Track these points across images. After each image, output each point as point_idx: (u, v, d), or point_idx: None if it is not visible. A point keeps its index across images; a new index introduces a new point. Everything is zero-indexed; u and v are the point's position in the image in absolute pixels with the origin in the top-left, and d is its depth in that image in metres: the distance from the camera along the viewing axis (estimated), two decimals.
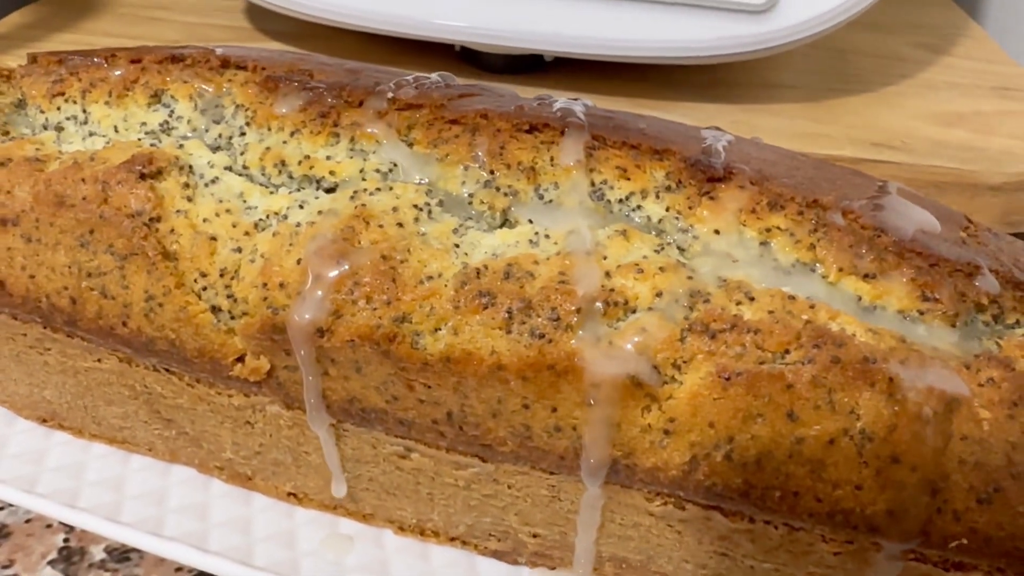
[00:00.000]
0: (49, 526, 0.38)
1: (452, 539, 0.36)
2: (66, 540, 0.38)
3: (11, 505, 0.39)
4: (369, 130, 0.33)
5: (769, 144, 0.38)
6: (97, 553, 0.37)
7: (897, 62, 0.70)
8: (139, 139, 0.35)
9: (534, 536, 0.34)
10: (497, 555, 0.35)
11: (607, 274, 0.29)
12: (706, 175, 0.31)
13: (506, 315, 0.28)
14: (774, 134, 0.60)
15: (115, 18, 0.72)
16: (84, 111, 0.36)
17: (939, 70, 0.69)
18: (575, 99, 0.37)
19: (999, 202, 0.57)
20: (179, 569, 0.37)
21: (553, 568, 0.35)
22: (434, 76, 0.37)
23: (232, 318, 0.31)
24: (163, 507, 0.37)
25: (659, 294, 0.28)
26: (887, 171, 0.57)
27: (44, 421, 0.40)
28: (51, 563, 0.37)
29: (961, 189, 0.57)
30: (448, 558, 0.36)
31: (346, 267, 0.29)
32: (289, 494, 0.37)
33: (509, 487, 0.32)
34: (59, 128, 0.37)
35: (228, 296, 0.31)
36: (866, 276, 0.30)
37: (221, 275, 0.31)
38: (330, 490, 0.36)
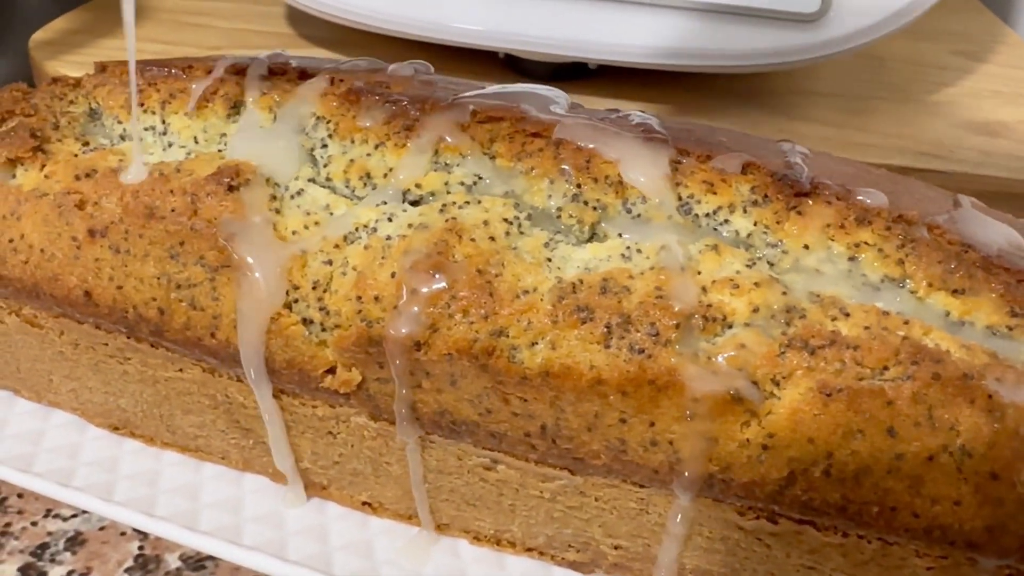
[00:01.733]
0: (123, 533, 0.38)
1: (529, 549, 0.36)
2: (141, 548, 0.38)
3: (85, 512, 0.39)
4: (452, 142, 0.33)
5: (841, 156, 0.38)
6: (172, 561, 0.37)
7: (938, 71, 0.70)
8: (219, 150, 0.35)
9: (616, 548, 0.34)
10: (575, 566, 0.35)
11: (703, 289, 0.29)
12: (793, 190, 0.31)
13: (605, 330, 0.28)
14: (822, 143, 0.60)
15: (157, 24, 0.72)
16: (163, 122, 0.37)
17: (981, 79, 0.70)
18: (644, 113, 0.37)
19: None
20: None
21: None
22: (512, 87, 0.37)
23: (324, 330, 0.31)
24: (239, 516, 0.37)
25: (756, 309, 0.28)
26: (935, 181, 0.57)
27: (116, 429, 0.40)
28: (128, 571, 0.37)
29: (1010, 198, 0.57)
30: (524, 568, 0.36)
31: (443, 281, 0.29)
32: (364, 503, 0.37)
33: (596, 499, 0.32)
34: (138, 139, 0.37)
35: (320, 309, 0.31)
36: (955, 292, 0.30)
37: (313, 288, 0.31)
38: (408, 500, 0.36)
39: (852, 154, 0.58)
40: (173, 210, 0.32)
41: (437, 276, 0.29)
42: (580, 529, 0.34)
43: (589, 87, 0.65)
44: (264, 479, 0.39)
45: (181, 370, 0.35)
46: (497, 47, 0.63)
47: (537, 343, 0.29)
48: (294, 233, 0.32)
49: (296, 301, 0.31)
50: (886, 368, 0.28)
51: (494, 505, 0.34)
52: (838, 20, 0.57)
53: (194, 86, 0.37)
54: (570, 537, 0.34)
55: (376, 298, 0.30)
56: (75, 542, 0.38)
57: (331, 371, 0.32)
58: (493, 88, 0.38)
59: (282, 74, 0.37)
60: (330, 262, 0.31)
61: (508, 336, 0.29)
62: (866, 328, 0.28)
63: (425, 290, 0.29)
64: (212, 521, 0.36)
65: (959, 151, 0.59)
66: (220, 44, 0.69)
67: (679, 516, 0.31)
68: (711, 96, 0.64)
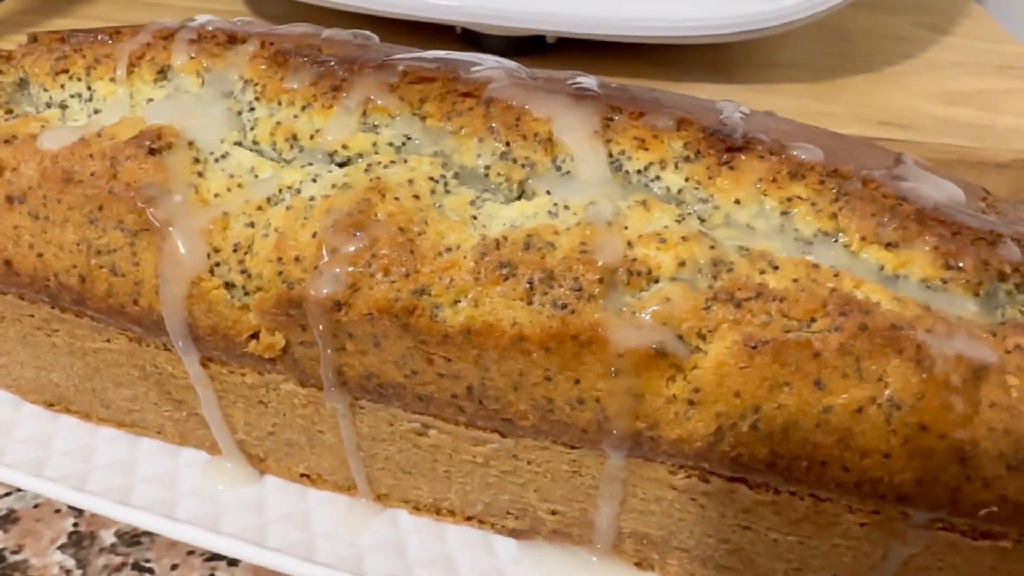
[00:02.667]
0: (58, 511, 0.38)
1: (469, 518, 0.35)
2: (75, 524, 0.37)
3: (19, 490, 0.38)
4: (381, 103, 0.33)
5: (784, 116, 0.37)
6: (108, 537, 0.37)
7: (900, 42, 0.70)
8: (145, 116, 0.35)
9: (553, 513, 0.33)
10: (514, 533, 0.35)
11: (629, 244, 0.28)
12: (725, 144, 0.31)
13: (527, 286, 0.28)
14: (782, 113, 0.59)
15: (111, 2, 0.71)
16: (89, 88, 0.36)
17: (942, 49, 0.69)
18: (585, 75, 0.36)
19: (1006, 179, 0.57)
20: (191, 552, 0.36)
21: (573, 545, 0.34)
22: (455, 53, 0.36)
23: (246, 294, 0.30)
24: (174, 490, 0.36)
25: (682, 263, 0.28)
26: (895, 150, 0.57)
27: (51, 405, 0.40)
28: (61, 547, 0.36)
29: (968, 167, 0.56)
30: (464, 537, 0.35)
31: (363, 240, 0.29)
32: (302, 475, 0.37)
33: (529, 463, 0.32)
34: (63, 106, 0.36)
35: (242, 272, 0.30)
36: (889, 245, 0.29)
37: (234, 250, 0.30)
38: (345, 470, 0.35)
39: (813, 124, 0.57)
40: (92, 174, 0.32)
41: (358, 235, 0.29)
42: (516, 495, 0.33)
43: (548, 61, 0.64)
44: (201, 453, 0.38)
45: (108, 340, 0.35)
46: (453, 21, 0.62)
47: (460, 301, 0.28)
48: (216, 196, 0.31)
49: (218, 265, 0.30)
50: (813, 320, 0.27)
51: (429, 472, 0.34)
52: None
53: (120, 51, 0.36)
54: (507, 503, 0.34)
55: (297, 259, 0.29)
56: (7, 520, 0.37)
57: (255, 336, 0.31)
58: (434, 53, 0.37)
59: (211, 39, 0.36)
60: (252, 224, 0.30)
61: (430, 294, 0.28)
62: (794, 281, 0.28)
63: (346, 249, 0.29)
64: (147, 496, 0.36)
65: (919, 120, 0.58)
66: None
67: (611, 477, 0.30)
68: (672, 69, 0.63)
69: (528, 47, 0.64)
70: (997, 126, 0.58)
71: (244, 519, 0.35)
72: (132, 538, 0.37)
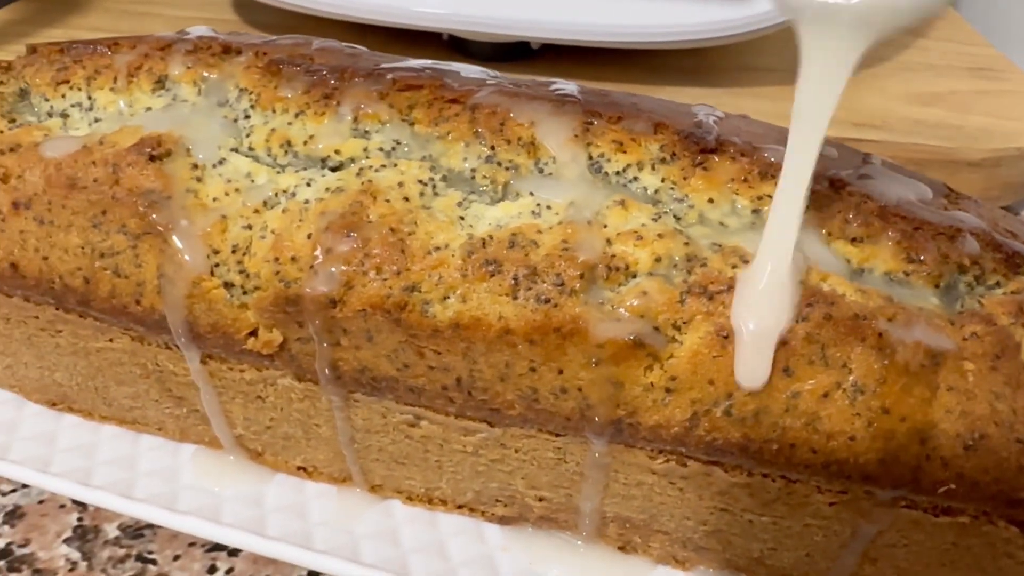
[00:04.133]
0: (63, 506, 0.39)
1: (460, 506, 0.37)
2: (80, 519, 0.38)
3: (25, 486, 0.40)
4: (371, 110, 0.34)
5: (757, 120, 0.39)
6: (111, 530, 0.38)
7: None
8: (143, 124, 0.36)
9: (540, 499, 0.35)
10: (503, 520, 0.36)
11: (608, 241, 0.30)
12: (699, 147, 0.33)
13: (512, 282, 0.29)
14: (759, 116, 0.60)
15: (102, 13, 0.72)
16: (89, 98, 0.37)
17: (915, 52, 0.71)
18: (567, 82, 0.38)
19: (978, 178, 0.59)
20: (192, 543, 0.38)
21: (559, 531, 0.36)
22: (441, 63, 0.38)
23: (245, 293, 0.32)
24: (175, 484, 0.38)
25: (658, 259, 0.29)
26: (868, 150, 0.58)
27: (54, 404, 0.41)
28: (66, 541, 0.37)
29: (941, 166, 0.58)
30: (457, 525, 0.37)
31: (356, 240, 0.30)
32: (299, 468, 0.38)
33: (516, 451, 0.33)
34: (64, 115, 0.37)
35: (240, 271, 0.32)
36: (854, 240, 0.31)
37: (233, 251, 0.32)
38: (340, 462, 0.37)
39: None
40: (95, 180, 0.33)
41: (351, 235, 0.30)
42: (504, 482, 0.35)
43: (533, 67, 0.66)
44: (202, 447, 0.39)
45: (111, 340, 0.36)
46: (440, 28, 0.64)
47: (448, 297, 0.30)
48: (215, 200, 0.33)
49: (217, 265, 0.32)
50: None
51: (421, 462, 0.35)
52: None
53: (118, 62, 0.37)
54: (496, 491, 0.35)
55: (293, 259, 0.31)
56: (14, 515, 0.38)
57: (254, 333, 0.32)
58: (421, 62, 0.39)
59: (206, 49, 0.38)
60: (249, 226, 0.32)
61: (420, 291, 0.30)
62: None
63: (339, 249, 0.30)
64: (148, 490, 0.37)
65: (892, 122, 0.60)
66: (167, 33, 0.69)
67: (594, 463, 0.32)
68: (654, 73, 0.65)
69: (513, 53, 0.66)
70: (968, 126, 0.60)
71: (243, 511, 0.37)
72: (135, 531, 0.38)
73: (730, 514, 0.32)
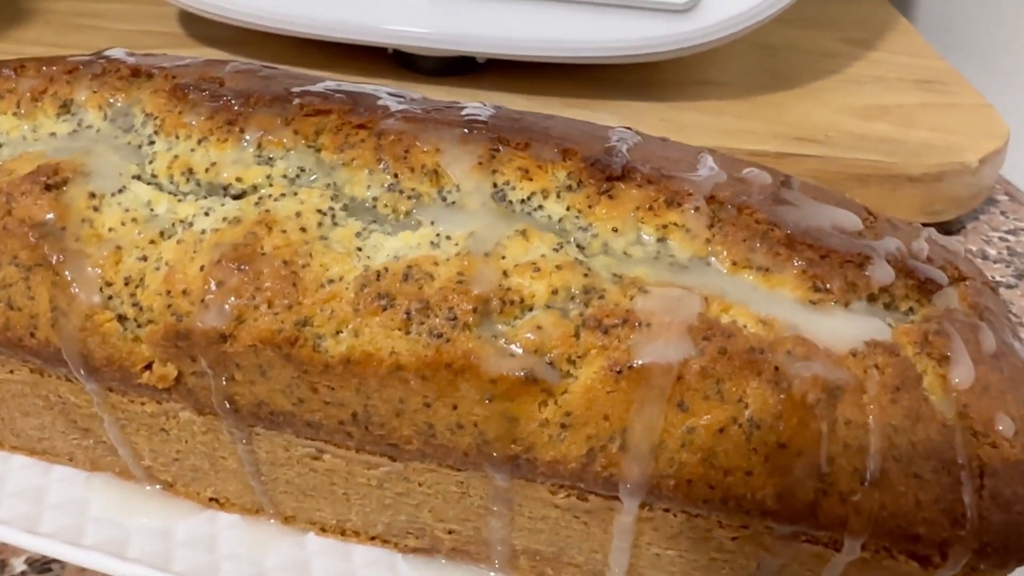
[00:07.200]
0: None
1: (372, 538, 0.36)
2: None
3: None
4: (275, 137, 0.34)
5: (676, 142, 0.38)
6: (18, 565, 0.37)
7: (825, 58, 0.72)
8: (44, 151, 0.35)
9: (449, 532, 0.34)
10: (417, 552, 0.36)
11: (504, 273, 0.29)
12: (605, 174, 0.32)
13: (405, 316, 0.29)
14: (701, 131, 0.61)
15: (44, 26, 0.71)
16: None
17: (865, 65, 0.71)
18: (483, 104, 0.37)
19: (919, 193, 0.59)
20: None
21: (472, 563, 0.35)
22: (357, 85, 0.37)
23: (138, 326, 0.31)
24: (84, 516, 0.37)
25: (555, 292, 0.29)
26: (810, 165, 0.58)
27: None
28: None
29: (882, 181, 0.58)
30: (369, 557, 0.36)
31: (248, 273, 0.29)
32: (211, 499, 0.37)
33: (420, 484, 0.33)
34: None
35: (133, 304, 0.31)
36: (760, 268, 0.31)
37: (126, 283, 0.31)
38: (251, 494, 0.36)
39: (730, 141, 0.59)
40: None
41: (243, 268, 0.30)
42: (412, 515, 0.34)
43: (479, 81, 0.65)
44: (112, 479, 0.39)
45: (12, 372, 0.35)
46: (384, 43, 0.63)
47: (341, 331, 0.29)
48: (110, 230, 0.32)
49: (110, 298, 0.31)
50: None
51: (329, 495, 0.35)
52: (709, 10, 0.58)
53: (23, 85, 0.36)
54: (405, 523, 0.35)
55: (184, 292, 0.30)
56: None
57: (149, 367, 0.32)
58: (335, 84, 0.38)
59: (115, 72, 0.37)
60: (145, 258, 0.31)
61: (312, 325, 0.29)
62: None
63: (230, 282, 0.30)
64: (55, 523, 0.36)
65: (834, 136, 0.60)
66: (109, 46, 0.68)
67: (497, 497, 0.31)
68: (599, 87, 0.65)
69: (459, 68, 0.65)
70: (912, 140, 0.60)
71: (151, 544, 0.36)
72: (43, 565, 0.37)
73: (636, 547, 0.32)
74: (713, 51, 0.62)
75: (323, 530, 0.37)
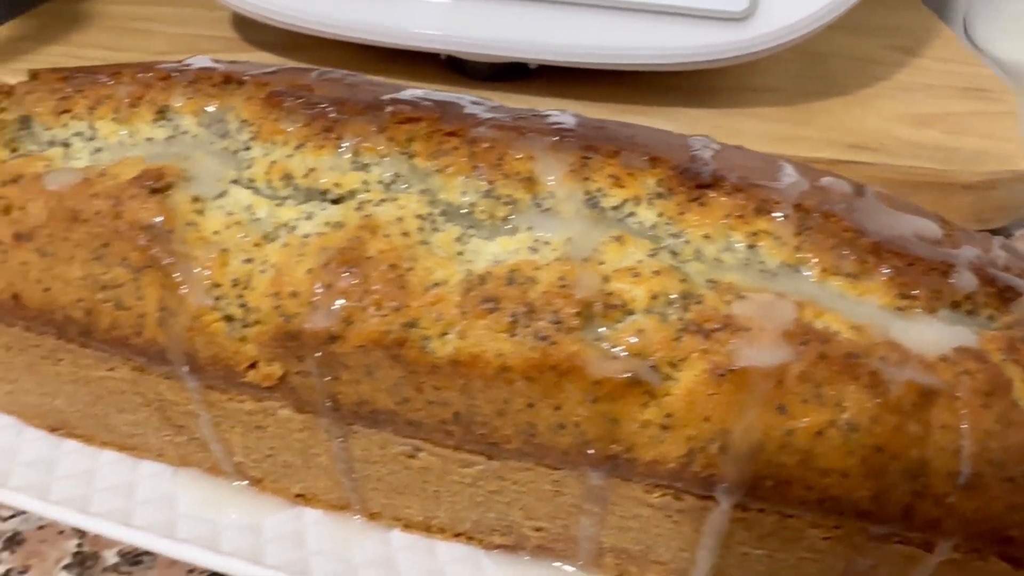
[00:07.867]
0: (61, 532, 0.39)
1: (457, 535, 0.37)
2: (79, 545, 0.39)
3: (24, 512, 0.40)
4: (371, 143, 0.34)
5: (753, 151, 0.39)
6: (110, 557, 0.38)
7: (872, 64, 0.72)
8: (145, 155, 0.36)
9: (537, 530, 0.35)
10: (501, 549, 0.37)
11: (604, 278, 0.30)
12: (695, 182, 0.33)
13: (510, 319, 0.30)
14: (755, 137, 0.61)
15: (102, 30, 0.72)
16: (91, 127, 0.37)
17: (912, 72, 0.71)
18: (565, 112, 0.38)
19: (972, 200, 0.59)
20: (191, 571, 0.38)
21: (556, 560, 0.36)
22: (438, 93, 0.38)
23: (245, 326, 0.32)
24: (174, 511, 0.38)
25: (654, 297, 0.30)
26: (864, 172, 0.59)
27: (54, 430, 0.41)
28: (66, 567, 0.38)
29: (935, 188, 0.59)
30: (454, 554, 0.37)
31: (356, 276, 0.30)
32: (298, 495, 0.38)
33: (514, 483, 0.34)
34: (66, 144, 0.37)
35: (241, 305, 0.32)
36: (848, 275, 0.31)
37: (234, 285, 0.32)
38: (339, 490, 0.37)
39: (785, 148, 0.59)
40: (97, 213, 0.33)
41: (351, 271, 0.31)
42: (502, 513, 0.35)
43: (530, 87, 0.66)
44: (198, 473, 0.40)
45: (112, 369, 0.36)
46: (438, 49, 0.64)
47: (447, 333, 0.30)
48: (215, 233, 0.33)
49: (218, 299, 0.32)
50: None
51: (420, 492, 0.36)
52: (766, 18, 0.59)
53: (120, 92, 0.37)
54: (494, 521, 0.36)
55: (293, 293, 0.31)
56: (13, 541, 0.39)
57: (253, 366, 0.33)
58: (421, 92, 0.39)
59: (207, 79, 0.38)
60: (250, 260, 0.32)
61: (419, 327, 0.30)
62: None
63: (339, 285, 0.30)
64: (147, 517, 0.37)
65: (888, 143, 0.61)
66: (166, 50, 0.70)
67: (591, 496, 0.32)
68: (651, 94, 0.65)
69: (510, 73, 0.66)
70: (964, 148, 0.60)
71: (241, 538, 0.37)
72: (134, 557, 0.38)
73: (725, 547, 0.33)
74: (762, 58, 0.63)
75: (407, 527, 0.38)
